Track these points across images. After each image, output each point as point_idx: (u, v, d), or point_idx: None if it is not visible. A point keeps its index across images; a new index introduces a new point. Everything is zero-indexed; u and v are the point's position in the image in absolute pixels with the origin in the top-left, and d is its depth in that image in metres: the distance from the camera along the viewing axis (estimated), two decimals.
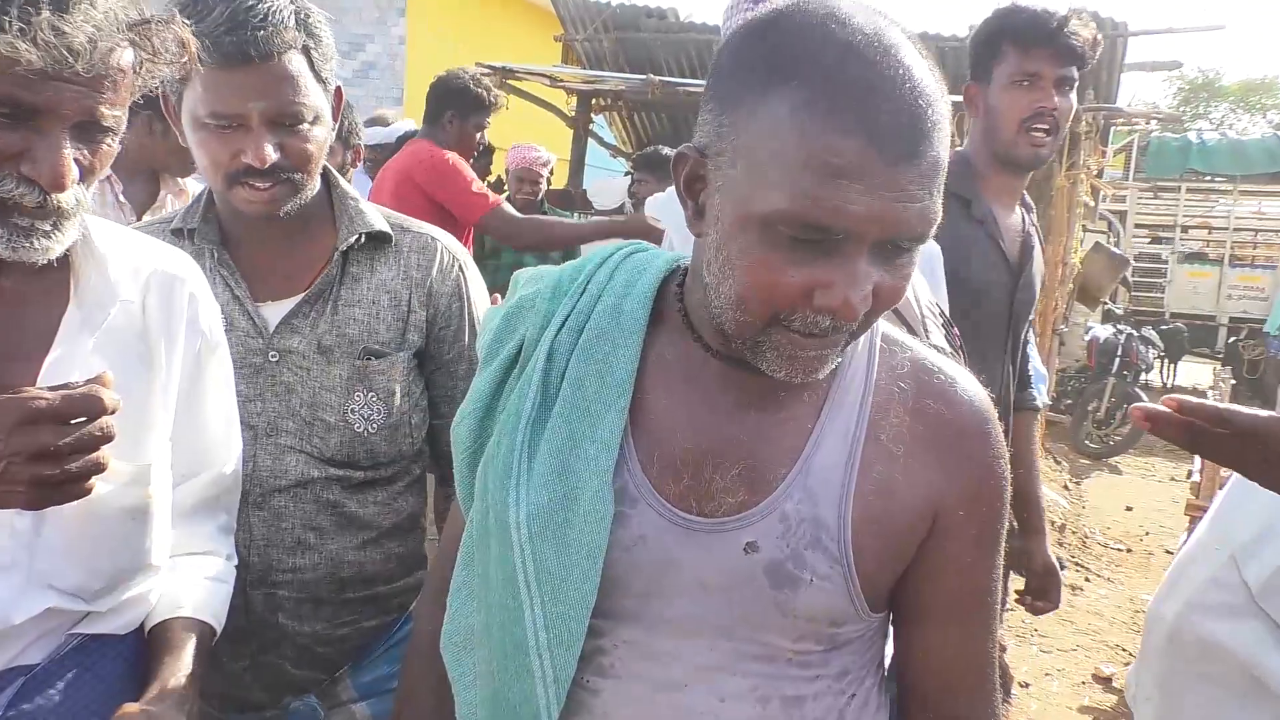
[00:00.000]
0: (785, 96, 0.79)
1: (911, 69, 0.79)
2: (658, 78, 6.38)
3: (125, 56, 0.97)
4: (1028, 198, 2.33)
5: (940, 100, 0.81)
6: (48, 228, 1.00)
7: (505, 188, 5.36)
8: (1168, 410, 0.98)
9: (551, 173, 5.49)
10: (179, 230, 1.49)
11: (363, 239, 1.51)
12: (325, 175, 1.53)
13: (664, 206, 2.72)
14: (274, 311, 1.47)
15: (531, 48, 8.34)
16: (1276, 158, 11.76)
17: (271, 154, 1.36)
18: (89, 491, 0.96)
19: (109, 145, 1.02)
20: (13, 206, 0.97)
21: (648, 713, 0.94)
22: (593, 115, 7.76)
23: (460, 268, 1.59)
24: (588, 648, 0.94)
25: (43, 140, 0.95)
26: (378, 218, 1.54)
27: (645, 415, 0.97)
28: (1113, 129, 7.45)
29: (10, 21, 0.88)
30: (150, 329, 1.16)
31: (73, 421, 0.93)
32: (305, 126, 1.39)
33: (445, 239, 1.61)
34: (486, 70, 6.50)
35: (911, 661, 1.02)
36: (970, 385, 0.99)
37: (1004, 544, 1.01)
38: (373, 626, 1.56)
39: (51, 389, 0.93)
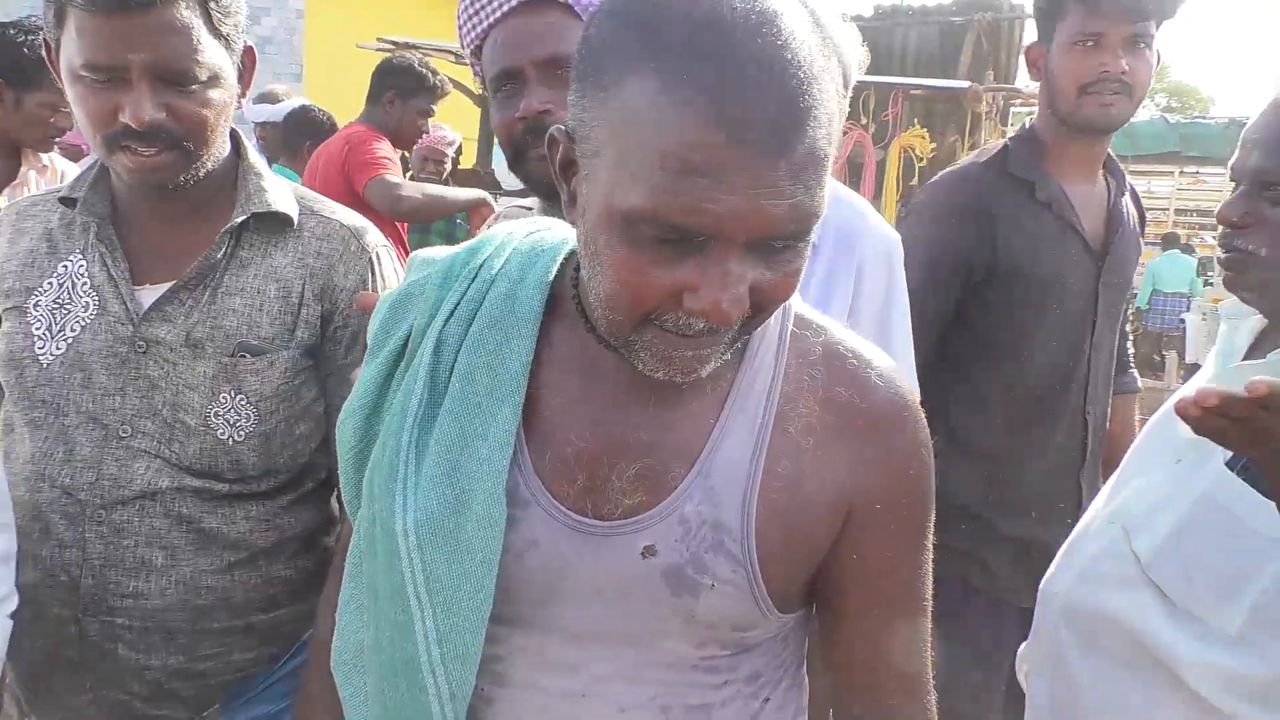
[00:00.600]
0: (642, 81, 0.71)
1: (787, 43, 0.71)
2: None
3: None
4: (1116, 164, 2.10)
5: (821, 79, 0.72)
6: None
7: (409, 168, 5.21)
8: (1215, 404, 0.98)
9: (459, 153, 5.36)
10: (66, 198, 1.36)
11: (253, 219, 1.35)
12: (236, 144, 1.40)
13: None
14: (151, 296, 1.32)
15: (436, 23, 8.13)
16: (1165, 139, 12.23)
17: (152, 112, 1.22)
18: None
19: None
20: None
21: None
22: None
23: (372, 261, 1.41)
24: (484, 654, 0.88)
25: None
26: (281, 197, 1.38)
27: (538, 412, 0.90)
28: (1012, 109, 7.63)
29: None
30: None
31: None
32: (198, 87, 1.25)
33: (361, 227, 1.43)
34: (389, 45, 6.33)
35: (836, 658, 0.97)
36: (887, 370, 0.93)
37: (930, 538, 0.96)
38: (248, 659, 1.39)
39: None
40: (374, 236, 1.44)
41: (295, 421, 1.38)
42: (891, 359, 0.96)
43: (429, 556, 0.87)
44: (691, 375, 0.82)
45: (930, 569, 0.97)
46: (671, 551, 0.86)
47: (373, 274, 1.41)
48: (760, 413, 0.89)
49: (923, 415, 0.95)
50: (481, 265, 0.96)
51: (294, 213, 1.38)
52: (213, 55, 1.25)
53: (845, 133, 6.67)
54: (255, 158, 1.41)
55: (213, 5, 1.26)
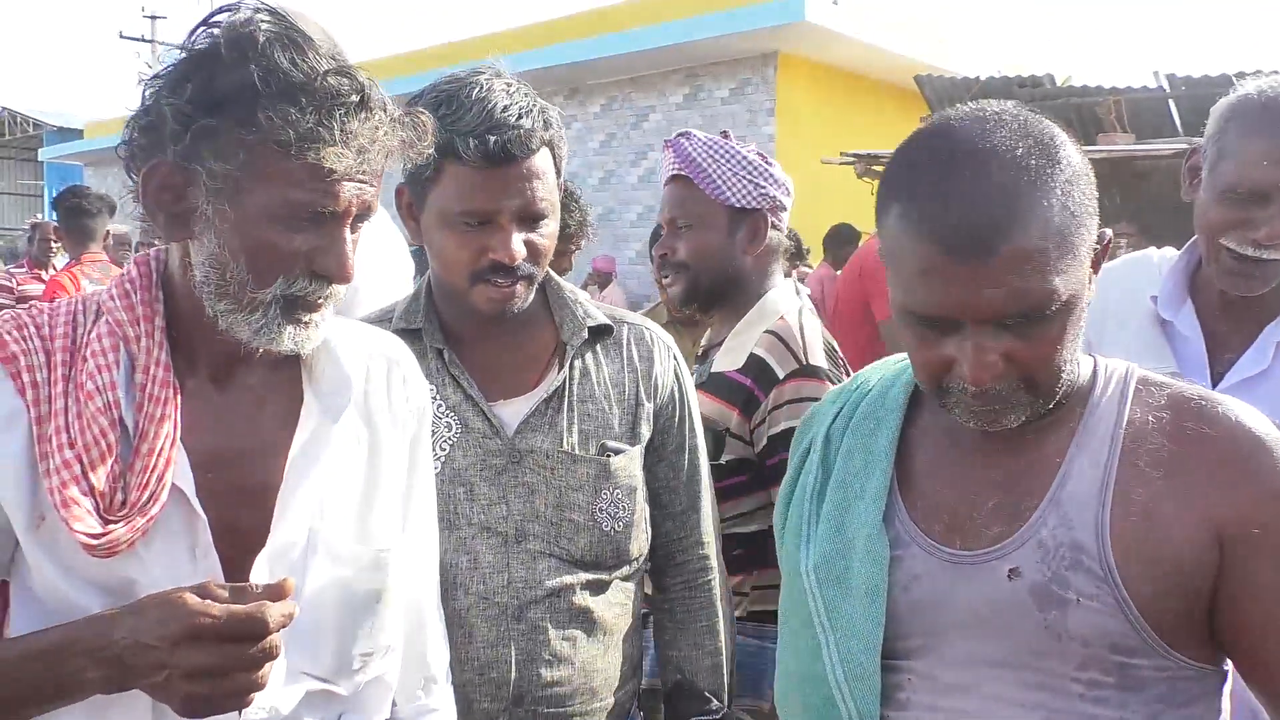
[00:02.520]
0: (894, 211, 0.99)
1: (987, 171, 0.94)
2: None
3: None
4: None
5: (1028, 192, 0.93)
6: (319, 319, 1.05)
7: None
8: None
9: None
10: (402, 330, 1.45)
11: (586, 334, 1.49)
12: None
13: None
14: (507, 411, 1.45)
15: (898, 131, 8.35)
16: None
17: (521, 251, 1.36)
18: (245, 706, 0.95)
19: (360, 233, 1.07)
20: (300, 303, 1.03)
21: None
22: None
23: (675, 356, 1.57)
24: (886, 684, 1.04)
25: (332, 237, 1.01)
26: (598, 312, 1.52)
27: (910, 474, 1.10)
28: None
29: (334, 133, 0.96)
30: (372, 413, 1.17)
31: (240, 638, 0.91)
32: (546, 223, 1.40)
33: (656, 328, 1.59)
34: (851, 158, 6.63)
35: (1260, 697, 1.00)
36: (1234, 406, 1.01)
37: None
38: None
39: (232, 591, 0.93)
40: (664, 332, 1.60)
41: (646, 508, 1.51)
42: (1250, 407, 1.01)
43: (826, 592, 1.08)
44: (995, 425, 1.00)
45: None
46: (1034, 571, 0.98)
47: (678, 364, 1.58)
48: (1105, 451, 1.01)
49: None
50: (860, 384, 1.22)
51: (611, 324, 1.53)
52: (555, 195, 1.41)
53: None
54: (561, 281, 1.55)
55: (557, 150, 1.42)
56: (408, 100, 1.39)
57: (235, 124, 0.96)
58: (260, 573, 1.06)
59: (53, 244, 7.41)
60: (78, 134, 21.05)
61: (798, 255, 4.80)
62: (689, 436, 1.57)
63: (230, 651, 0.91)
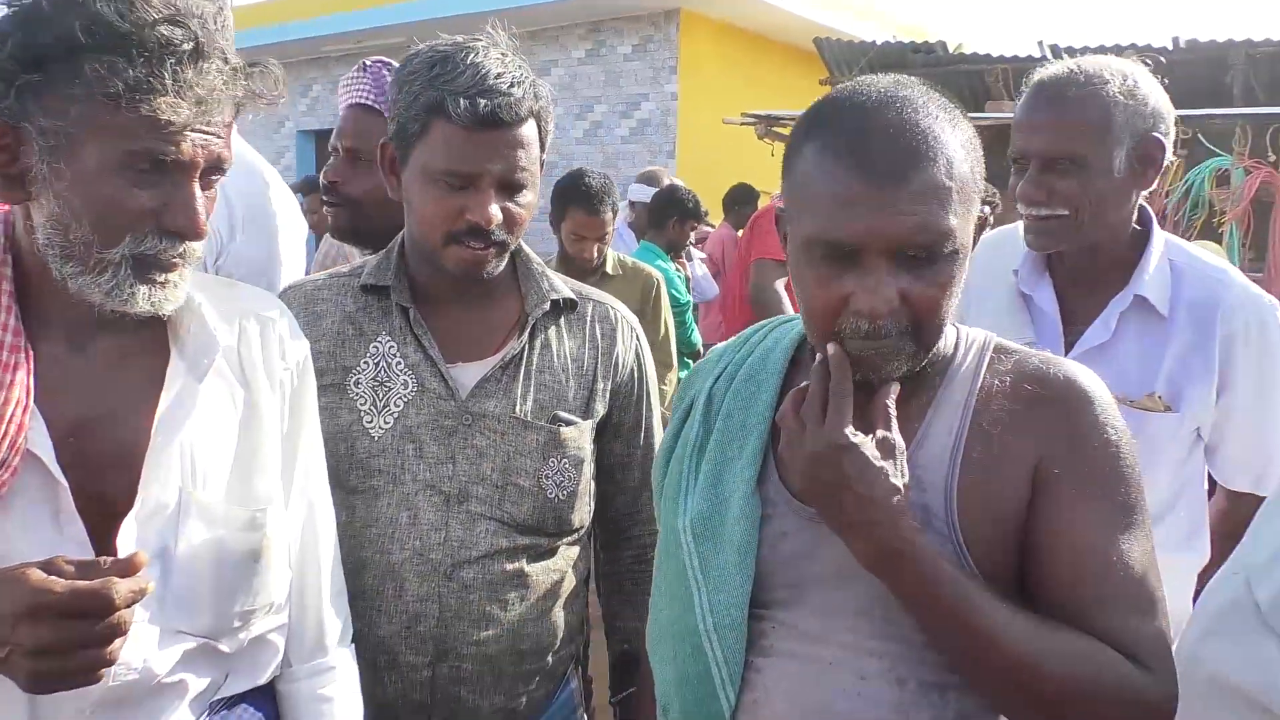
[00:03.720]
0: (810, 148, 1.05)
1: (905, 114, 1.02)
2: None
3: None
4: None
5: (940, 135, 1.02)
6: (177, 278, 1.02)
7: None
8: None
9: None
10: (369, 286, 1.50)
11: (548, 305, 1.51)
12: None
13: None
14: (465, 374, 1.48)
15: (798, 93, 8.42)
16: None
17: (497, 216, 1.39)
18: (95, 681, 0.93)
19: (216, 190, 1.05)
20: (152, 262, 1.00)
21: (799, 687, 1.07)
22: None
23: (637, 337, 1.62)
24: (752, 631, 1.10)
25: (179, 191, 0.98)
26: (563, 286, 1.56)
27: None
28: None
29: (166, 82, 0.93)
30: (247, 372, 1.16)
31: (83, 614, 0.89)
32: (525, 193, 1.43)
33: (622, 308, 1.63)
34: (752, 119, 6.67)
35: (1045, 589, 1.05)
36: (1070, 368, 1.10)
37: (1140, 524, 1.03)
38: (540, 696, 1.53)
39: (79, 565, 0.91)
40: (629, 312, 1.65)
41: (592, 480, 1.56)
42: (1086, 369, 1.10)
43: (701, 547, 1.14)
44: (879, 372, 1.05)
45: (1153, 563, 1.02)
46: None
47: (640, 345, 1.62)
48: (958, 416, 1.09)
49: (1112, 405, 1.08)
50: (746, 343, 1.27)
51: (576, 299, 1.56)
52: (537, 166, 1.44)
53: (1249, 172, 5.90)
54: (530, 253, 1.58)
55: (543, 123, 1.45)
56: (402, 60, 1.47)
57: (61, 79, 0.93)
58: (128, 536, 1.04)
59: None
60: None
61: (695, 215, 4.83)
62: (646, 414, 1.62)
63: (74, 627, 0.90)
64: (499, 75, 1.37)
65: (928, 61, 7.65)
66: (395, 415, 1.46)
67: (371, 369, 1.48)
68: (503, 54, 1.42)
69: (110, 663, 0.93)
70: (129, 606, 0.91)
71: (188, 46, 0.96)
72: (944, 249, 1.01)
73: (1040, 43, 7.51)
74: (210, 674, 1.14)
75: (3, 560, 0.97)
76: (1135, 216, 1.73)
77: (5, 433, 0.97)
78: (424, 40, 1.47)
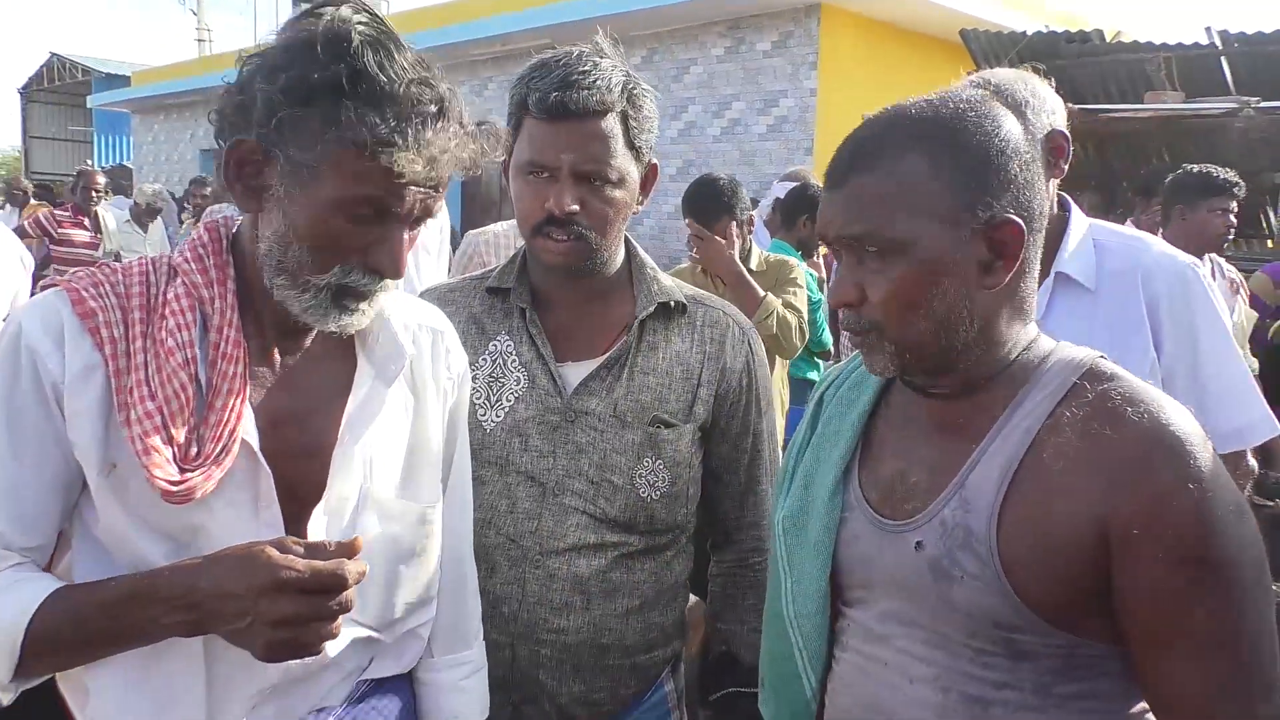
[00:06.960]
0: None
1: (865, 137, 1.11)
2: (1075, 106, 5.98)
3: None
4: None
5: (887, 155, 1.07)
6: (367, 307, 1.11)
7: None
8: None
9: None
10: (494, 288, 1.59)
11: (656, 309, 1.55)
12: (628, 247, 1.61)
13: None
14: (573, 373, 1.53)
15: (943, 87, 8.19)
16: None
17: (570, 204, 1.43)
18: (319, 652, 1.02)
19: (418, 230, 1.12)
20: (351, 292, 1.08)
21: (860, 681, 1.16)
22: None
23: (749, 343, 1.62)
24: (835, 627, 1.20)
25: (389, 235, 1.07)
26: (675, 290, 1.59)
27: (871, 445, 1.22)
28: None
29: (408, 140, 1.01)
30: (417, 380, 1.26)
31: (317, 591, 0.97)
32: (607, 187, 1.46)
33: (736, 314, 1.65)
34: None
35: (1148, 695, 1.04)
36: (1153, 407, 1.02)
37: (1233, 579, 0.97)
38: (627, 694, 1.57)
39: (307, 547, 0.99)
40: (745, 319, 1.66)
41: (690, 484, 1.57)
42: (1175, 400, 1.04)
43: (789, 540, 1.25)
44: (873, 367, 1.13)
45: (1244, 612, 0.97)
46: (933, 546, 1.08)
47: (751, 351, 1.62)
48: (1020, 445, 1.07)
49: (1201, 453, 0.99)
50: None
51: (686, 303, 1.59)
52: (623, 161, 1.47)
53: None
54: (645, 257, 1.62)
55: (631, 121, 1.48)
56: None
57: (319, 119, 1.01)
58: (317, 526, 1.13)
59: (94, 192, 7.54)
60: (125, 81, 21.17)
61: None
62: (755, 420, 1.62)
63: (312, 603, 0.98)
64: (583, 73, 1.43)
65: (1082, 52, 7.31)
66: (506, 410, 1.53)
67: (489, 365, 1.56)
68: (599, 57, 1.47)
69: (334, 636, 1.01)
70: (358, 582, 0.99)
71: (432, 109, 1.03)
72: (880, 243, 1.06)
73: (1209, 29, 7.07)
74: (359, 660, 1.21)
75: (206, 538, 1.06)
76: (1056, 203, 1.78)
77: (226, 420, 1.06)
78: (565, 43, 1.52)
